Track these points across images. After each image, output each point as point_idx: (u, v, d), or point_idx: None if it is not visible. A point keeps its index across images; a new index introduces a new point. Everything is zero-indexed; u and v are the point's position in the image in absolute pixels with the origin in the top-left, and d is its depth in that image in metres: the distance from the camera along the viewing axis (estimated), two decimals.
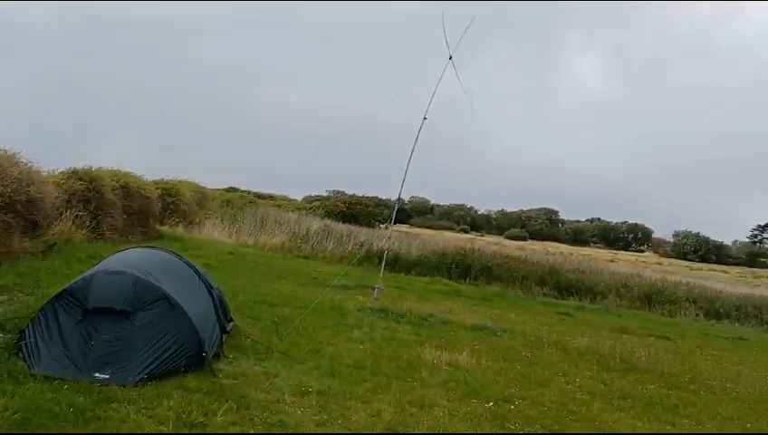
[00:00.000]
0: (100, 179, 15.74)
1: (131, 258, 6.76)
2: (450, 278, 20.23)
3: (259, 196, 35.49)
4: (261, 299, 10.61)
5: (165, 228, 20.92)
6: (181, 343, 5.95)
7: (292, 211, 27.35)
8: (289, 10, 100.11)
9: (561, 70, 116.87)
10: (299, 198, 44.00)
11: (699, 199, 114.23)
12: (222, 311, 7.40)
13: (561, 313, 16.13)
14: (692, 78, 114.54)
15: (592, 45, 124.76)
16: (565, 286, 20.56)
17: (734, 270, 62.30)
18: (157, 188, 21.07)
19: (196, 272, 7.15)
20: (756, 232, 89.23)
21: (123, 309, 5.86)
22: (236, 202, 27.29)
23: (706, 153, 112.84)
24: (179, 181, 23.39)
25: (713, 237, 79.81)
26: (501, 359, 8.68)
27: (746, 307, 20.26)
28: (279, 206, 29.67)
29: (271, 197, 36.54)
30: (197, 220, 23.06)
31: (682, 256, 75.03)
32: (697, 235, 79.83)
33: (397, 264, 20.32)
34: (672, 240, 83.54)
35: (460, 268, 20.99)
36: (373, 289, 13.27)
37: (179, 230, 21.54)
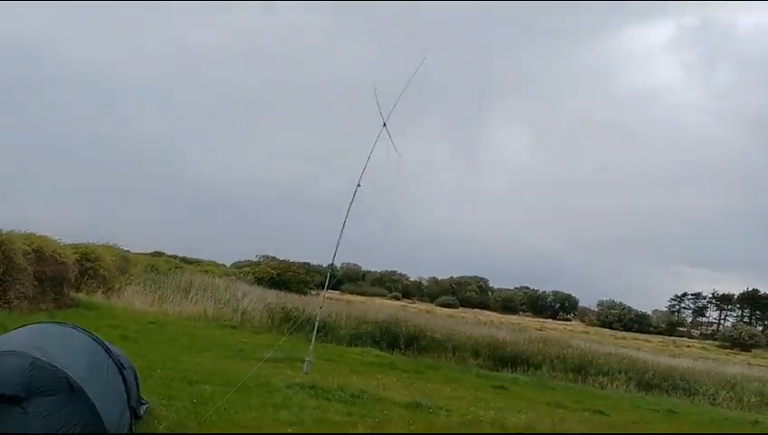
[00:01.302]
0: (9, 243, 14.63)
1: (30, 336, 5.99)
2: (382, 349, 19.72)
3: (186, 260, 34.06)
4: (180, 375, 9.76)
5: (81, 295, 19.58)
6: (82, 432, 5.20)
7: (220, 277, 26.29)
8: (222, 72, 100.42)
9: (489, 143, 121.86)
10: (228, 263, 42.65)
11: (619, 270, 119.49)
12: (134, 393, 6.65)
13: (495, 386, 15.86)
14: (612, 160, 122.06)
15: (517, 120, 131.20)
16: (500, 357, 20.44)
17: (656, 339, 64.66)
18: (74, 253, 19.82)
19: (107, 350, 6.42)
20: (674, 302, 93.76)
21: (15, 395, 5.09)
22: (161, 267, 25.98)
23: (625, 227, 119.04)
24: (100, 245, 22.11)
25: (634, 307, 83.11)
26: None
27: (673, 378, 20.68)
28: (206, 271, 28.50)
29: (198, 262, 35.19)
30: (118, 287, 21.70)
31: (607, 324, 77.39)
32: (621, 304, 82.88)
33: (329, 333, 19.67)
34: (597, 309, 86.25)
35: (393, 338, 20.58)
36: (303, 362, 12.59)
37: (97, 297, 20.20)
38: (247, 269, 32.95)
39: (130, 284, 22.21)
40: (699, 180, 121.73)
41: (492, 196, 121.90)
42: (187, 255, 37.93)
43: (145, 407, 7.03)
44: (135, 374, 6.89)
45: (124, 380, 6.40)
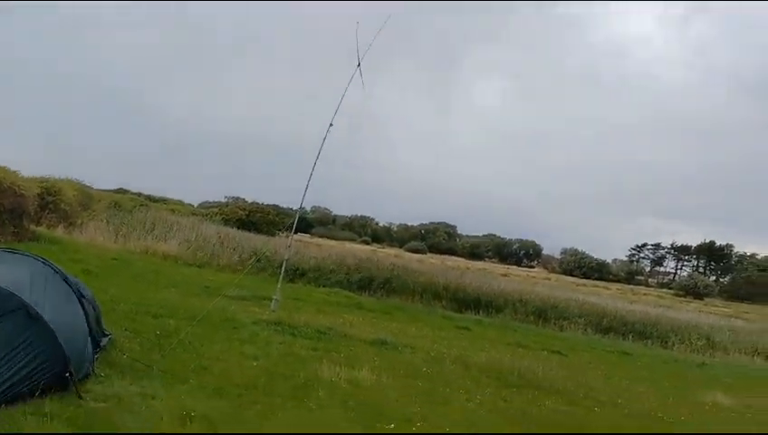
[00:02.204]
0: None
1: None
2: (351, 290, 19.87)
3: (151, 199, 33.30)
4: (144, 310, 9.66)
5: (42, 229, 19.10)
6: (41, 361, 5.11)
7: (187, 216, 25.88)
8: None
9: (464, 91, 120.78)
10: (195, 203, 41.99)
11: (586, 221, 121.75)
12: (96, 323, 6.55)
13: (460, 326, 16.22)
14: (582, 111, 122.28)
15: (494, 70, 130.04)
16: (464, 300, 20.81)
17: (615, 286, 66.73)
18: (35, 186, 19.24)
19: (65, 279, 6.26)
20: (634, 252, 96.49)
21: None
22: (126, 204, 25.37)
23: (594, 179, 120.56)
24: (62, 180, 21.46)
25: (597, 256, 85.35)
26: (402, 376, 8.37)
27: (630, 323, 21.44)
28: (173, 210, 27.96)
29: (164, 201, 34.47)
30: (80, 222, 21.20)
31: (568, 272, 79.46)
32: (582, 253, 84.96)
33: (296, 274, 19.69)
34: (559, 257, 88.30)
35: (362, 280, 20.71)
36: (270, 300, 12.61)
37: (59, 232, 19.73)
38: (215, 210, 32.48)
39: (93, 219, 21.72)
40: (668, 134, 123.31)
41: (464, 145, 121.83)
42: (153, 193, 37.20)
43: (107, 338, 6.96)
44: (95, 305, 6.77)
45: (84, 309, 6.29)
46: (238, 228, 26.28)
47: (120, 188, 35.02)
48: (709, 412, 9.76)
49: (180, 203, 35.69)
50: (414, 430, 6.04)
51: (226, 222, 27.44)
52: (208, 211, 31.96)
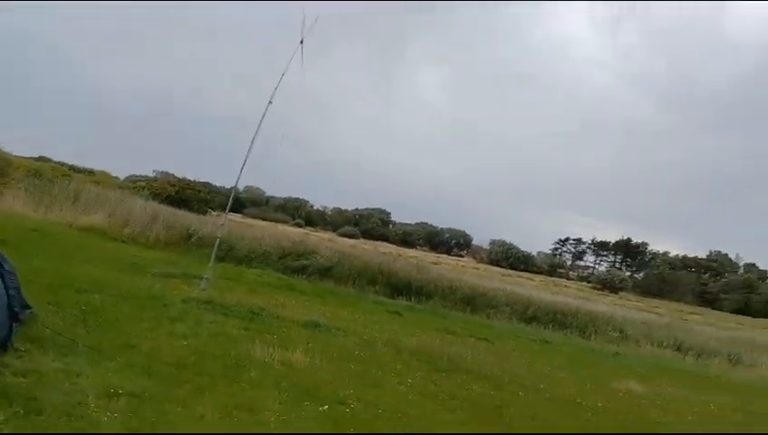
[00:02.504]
0: None
1: None
2: (284, 273, 19.67)
3: (75, 169, 31.62)
4: (67, 284, 9.23)
5: None
6: None
7: (114, 189, 24.77)
8: None
9: (405, 79, 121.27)
10: (122, 176, 40.20)
11: (514, 215, 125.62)
12: (16, 295, 6.21)
13: (391, 311, 16.41)
14: (515, 100, 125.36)
15: (434, 60, 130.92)
16: (396, 286, 21.04)
17: (538, 278, 69.32)
18: None
19: None
20: (557, 245, 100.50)
21: None
22: (47, 173, 23.97)
23: (525, 175, 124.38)
24: None
25: (523, 248, 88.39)
26: (335, 358, 8.40)
27: (552, 313, 22.34)
28: (98, 182, 26.70)
29: (90, 172, 32.83)
30: None
31: (495, 262, 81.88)
32: (510, 245, 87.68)
33: (228, 255, 19.27)
34: (488, 248, 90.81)
35: (296, 263, 20.55)
36: (200, 279, 12.31)
37: None
38: (143, 184, 31.23)
39: (10, 187, 20.44)
40: (595, 135, 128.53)
41: (403, 133, 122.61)
42: (77, 163, 35.33)
43: (28, 312, 6.61)
44: (16, 276, 6.42)
45: (4, 281, 5.96)
46: (168, 204, 25.40)
47: (42, 156, 33.05)
48: (623, 399, 10.34)
49: (106, 175, 34.12)
50: (347, 411, 6.09)
51: (155, 197, 26.43)
52: (136, 185, 30.70)
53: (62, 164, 32.53)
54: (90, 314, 7.58)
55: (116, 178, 36.36)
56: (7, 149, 24.33)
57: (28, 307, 6.66)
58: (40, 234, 15.82)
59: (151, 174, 39.01)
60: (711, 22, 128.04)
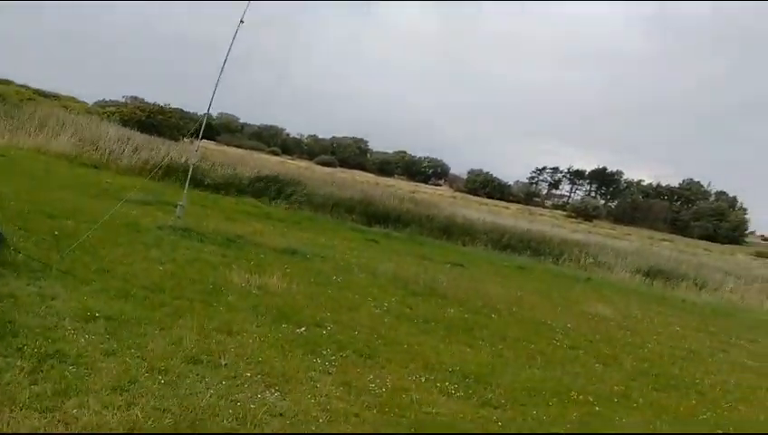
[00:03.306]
0: None
1: None
2: (259, 200, 19.57)
3: (41, 93, 30.35)
4: (38, 209, 9.05)
5: None
6: None
7: (82, 115, 23.96)
8: None
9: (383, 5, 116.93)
10: (90, 102, 38.82)
11: (492, 143, 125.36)
12: None
13: (368, 239, 16.54)
14: (501, 27, 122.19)
15: None
16: (374, 215, 21.12)
17: (515, 207, 70.22)
18: None
19: None
20: (534, 174, 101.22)
21: None
22: (11, 97, 22.99)
23: (505, 101, 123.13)
24: None
25: (500, 178, 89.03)
26: (312, 283, 8.49)
27: (527, 241, 22.75)
28: (66, 107, 25.72)
29: (56, 96, 31.55)
30: None
31: (473, 191, 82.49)
32: (487, 173, 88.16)
33: (202, 183, 19.02)
34: (466, 177, 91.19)
35: (271, 192, 20.43)
36: (175, 206, 12.16)
37: None
38: (112, 109, 30.20)
39: None
40: (584, 62, 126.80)
41: (379, 57, 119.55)
42: (42, 87, 33.89)
43: None
44: None
45: None
46: (139, 131, 24.73)
47: (5, 79, 31.62)
48: (592, 321, 10.72)
49: (73, 99, 32.88)
50: (324, 333, 6.20)
51: (125, 123, 25.65)
52: (105, 111, 29.71)
53: (27, 87, 31.20)
54: (62, 239, 7.47)
55: (83, 102, 35.12)
56: None
57: None
58: (7, 159, 15.38)
59: (121, 99, 37.66)
60: None
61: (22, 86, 31.09)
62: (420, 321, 7.76)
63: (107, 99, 36.90)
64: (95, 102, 36.26)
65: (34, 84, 33.54)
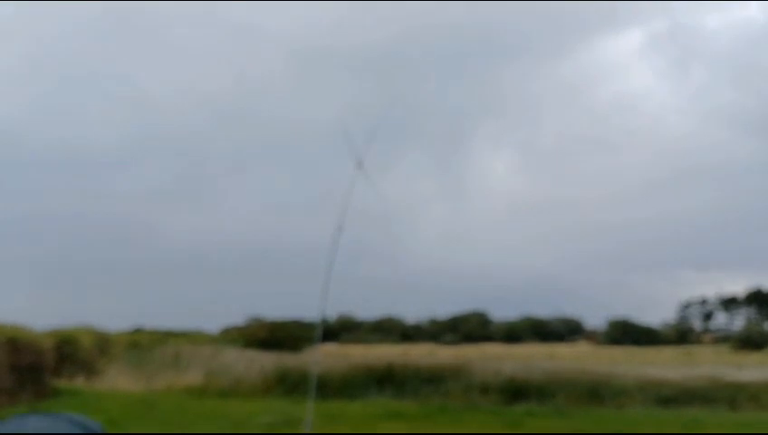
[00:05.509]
0: None
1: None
2: (385, 398, 18.72)
3: (170, 333, 32.61)
4: None
5: (62, 382, 18.59)
6: None
7: (207, 345, 25.12)
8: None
9: (473, 170, 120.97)
10: (215, 330, 41.19)
11: (622, 285, 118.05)
12: None
13: (507, 422, 14.91)
14: (592, 167, 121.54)
15: (500, 144, 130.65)
16: (509, 391, 19.47)
17: (668, 351, 63.41)
18: (51, 338, 18.96)
19: None
20: (681, 311, 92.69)
21: None
22: (145, 343, 24.78)
23: (622, 240, 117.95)
24: (76, 328, 21.17)
25: (641, 319, 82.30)
26: None
27: (692, 389, 19.80)
28: (193, 341, 27.28)
29: (184, 333, 33.75)
30: (99, 369, 20.60)
31: (615, 342, 76.15)
32: (628, 320, 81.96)
33: (327, 389, 18.58)
34: (604, 328, 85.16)
35: (394, 384, 19.66)
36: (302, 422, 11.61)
37: (78, 383, 19.17)
38: (235, 334, 31.68)
39: (113, 363, 21.11)
40: (687, 182, 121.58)
41: (483, 224, 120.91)
42: (171, 326, 36.43)
43: None
44: None
45: None
46: (262, 349, 25.37)
47: (138, 328, 34.47)
48: None
49: (200, 332, 34.90)
50: None
51: (248, 344, 26.55)
52: (229, 336, 31.16)
53: (157, 331, 33.64)
54: None
55: (209, 333, 37.15)
56: (104, 326, 25.39)
57: None
58: (144, 405, 15.92)
59: (242, 321, 39.76)
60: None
61: (153, 331, 33.57)
62: None
63: (230, 322, 38.99)
64: (220, 330, 38.36)
65: (165, 326, 36.18)
